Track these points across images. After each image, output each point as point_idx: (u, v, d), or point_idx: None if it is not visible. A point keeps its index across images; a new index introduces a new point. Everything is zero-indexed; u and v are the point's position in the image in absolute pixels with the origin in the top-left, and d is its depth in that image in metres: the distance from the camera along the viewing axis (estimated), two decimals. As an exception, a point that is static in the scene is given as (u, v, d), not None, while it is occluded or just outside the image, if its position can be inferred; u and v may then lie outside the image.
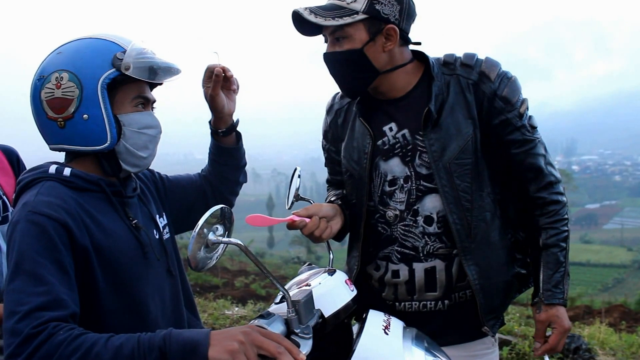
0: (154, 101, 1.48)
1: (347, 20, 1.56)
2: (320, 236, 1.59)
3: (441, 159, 1.65)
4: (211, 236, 1.13)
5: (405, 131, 1.71)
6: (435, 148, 1.66)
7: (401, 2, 1.60)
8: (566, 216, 1.74)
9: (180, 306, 1.56)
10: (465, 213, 1.67)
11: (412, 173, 1.70)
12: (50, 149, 1.42)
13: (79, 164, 1.40)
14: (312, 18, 1.57)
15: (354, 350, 1.23)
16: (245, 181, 1.83)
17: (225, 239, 1.15)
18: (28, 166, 1.78)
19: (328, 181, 2.06)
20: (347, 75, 1.68)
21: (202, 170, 1.80)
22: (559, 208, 1.72)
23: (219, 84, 1.61)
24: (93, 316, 1.29)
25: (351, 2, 1.57)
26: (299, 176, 1.66)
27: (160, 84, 1.50)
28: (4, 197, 1.76)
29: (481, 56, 1.72)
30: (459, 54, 1.74)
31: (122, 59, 1.35)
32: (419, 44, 1.72)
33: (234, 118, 1.72)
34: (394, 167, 1.72)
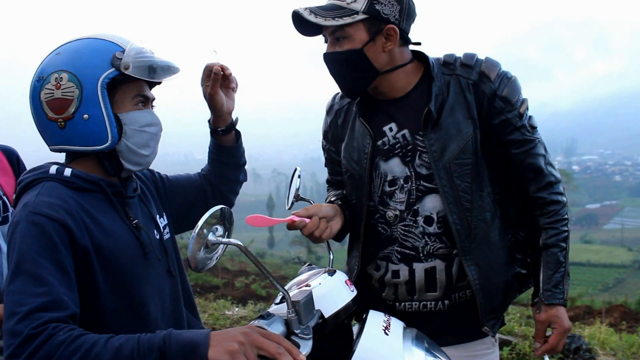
0: (154, 99, 1.48)
1: (347, 20, 1.56)
2: (320, 236, 1.59)
3: (441, 159, 1.65)
4: (211, 237, 1.13)
5: (405, 131, 1.71)
6: (435, 148, 1.66)
7: (401, 2, 1.60)
8: (566, 216, 1.74)
9: (180, 306, 1.56)
10: (465, 213, 1.67)
11: (412, 173, 1.70)
12: (51, 150, 1.42)
13: (79, 165, 1.40)
14: (312, 18, 1.57)
15: (354, 350, 1.23)
16: (246, 180, 1.83)
17: (225, 240, 1.15)
18: (28, 166, 1.77)
19: (328, 181, 2.06)
20: (347, 76, 1.68)
21: (202, 169, 1.80)
22: (559, 208, 1.72)
23: (217, 83, 1.61)
24: (93, 316, 1.29)
25: (351, 2, 1.57)
26: (299, 176, 1.66)
27: (160, 82, 1.50)
28: (4, 198, 1.76)
29: (481, 56, 1.72)
30: (459, 54, 1.74)
31: (121, 59, 1.35)
32: (418, 44, 1.72)
33: (233, 116, 1.72)
34: (394, 167, 1.72)
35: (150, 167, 1.60)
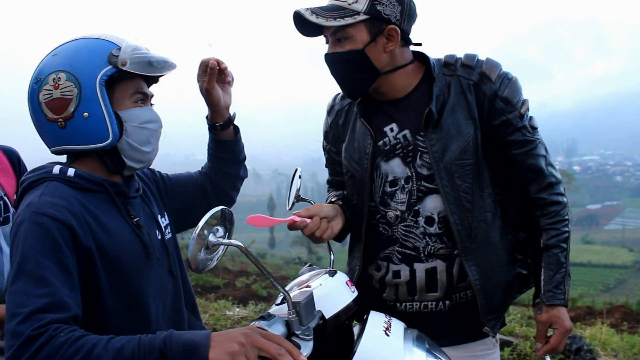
0: (152, 96, 1.48)
1: (349, 20, 1.56)
2: (321, 237, 1.59)
3: (442, 160, 1.65)
4: (211, 237, 1.13)
5: (406, 132, 1.71)
6: (436, 149, 1.66)
7: (402, 3, 1.60)
8: (567, 217, 1.74)
9: (181, 307, 1.56)
10: (466, 213, 1.67)
11: (413, 174, 1.70)
12: (52, 152, 1.42)
13: (81, 165, 1.40)
14: (313, 19, 1.57)
15: (355, 351, 1.23)
16: (246, 176, 1.82)
17: (226, 241, 1.14)
18: (29, 166, 1.77)
19: (329, 182, 2.06)
20: (348, 76, 1.68)
21: (202, 167, 1.79)
22: (559, 209, 1.72)
23: (213, 77, 1.61)
24: (95, 317, 1.29)
25: (352, 3, 1.57)
26: (300, 177, 1.66)
27: (156, 80, 1.50)
28: (5, 198, 1.76)
29: (482, 57, 1.72)
30: (460, 54, 1.74)
31: (117, 56, 1.36)
32: (419, 44, 1.72)
33: (231, 111, 1.71)
34: (395, 167, 1.72)
35: (151, 167, 1.60)
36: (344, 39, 1.61)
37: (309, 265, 1.59)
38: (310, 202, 1.66)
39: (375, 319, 1.36)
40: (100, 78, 1.34)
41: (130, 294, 1.36)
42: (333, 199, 1.90)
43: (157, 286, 1.45)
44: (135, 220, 1.43)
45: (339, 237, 1.82)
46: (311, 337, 1.18)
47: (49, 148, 1.42)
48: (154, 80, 1.50)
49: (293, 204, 1.63)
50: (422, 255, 1.71)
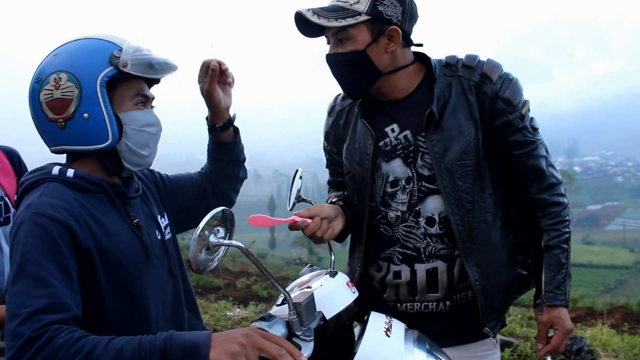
0: (153, 98, 1.48)
1: (350, 21, 1.56)
2: (322, 237, 1.59)
3: (443, 160, 1.65)
4: (212, 238, 1.12)
5: (407, 132, 1.71)
6: (437, 149, 1.65)
7: (404, 4, 1.60)
8: (567, 218, 1.74)
9: (181, 307, 1.55)
10: (467, 214, 1.67)
11: (414, 174, 1.70)
12: (52, 151, 1.42)
13: (81, 166, 1.40)
14: (315, 19, 1.57)
15: (356, 352, 1.23)
16: (246, 177, 1.82)
17: (227, 241, 1.14)
18: (29, 167, 1.77)
19: (329, 182, 2.06)
20: (350, 77, 1.68)
21: (202, 168, 1.79)
22: (560, 209, 1.72)
23: (215, 79, 1.61)
24: (95, 317, 1.29)
25: (354, 3, 1.57)
26: (301, 177, 1.65)
27: (157, 82, 1.50)
28: (6, 199, 1.76)
29: (483, 58, 1.72)
30: (461, 55, 1.74)
31: (119, 57, 1.35)
32: (421, 45, 1.72)
33: (231, 113, 1.71)
34: (396, 168, 1.72)
35: (151, 167, 1.59)
36: (345, 39, 1.61)
37: (310, 266, 1.59)
38: (311, 203, 1.66)
39: (376, 320, 1.36)
40: (101, 79, 1.34)
41: (130, 294, 1.36)
42: (334, 200, 1.89)
43: (157, 286, 1.44)
44: (135, 220, 1.42)
45: (340, 238, 1.82)
46: (312, 337, 1.18)
47: (49, 148, 1.42)
48: (155, 81, 1.49)
49: (294, 204, 1.63)
50: (422, 255, 1.71)
